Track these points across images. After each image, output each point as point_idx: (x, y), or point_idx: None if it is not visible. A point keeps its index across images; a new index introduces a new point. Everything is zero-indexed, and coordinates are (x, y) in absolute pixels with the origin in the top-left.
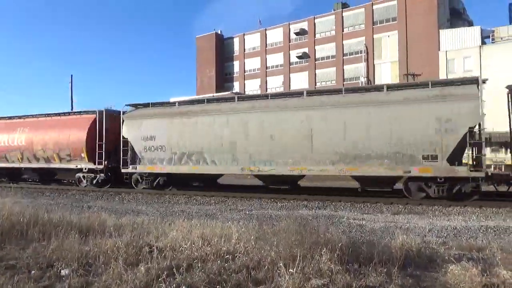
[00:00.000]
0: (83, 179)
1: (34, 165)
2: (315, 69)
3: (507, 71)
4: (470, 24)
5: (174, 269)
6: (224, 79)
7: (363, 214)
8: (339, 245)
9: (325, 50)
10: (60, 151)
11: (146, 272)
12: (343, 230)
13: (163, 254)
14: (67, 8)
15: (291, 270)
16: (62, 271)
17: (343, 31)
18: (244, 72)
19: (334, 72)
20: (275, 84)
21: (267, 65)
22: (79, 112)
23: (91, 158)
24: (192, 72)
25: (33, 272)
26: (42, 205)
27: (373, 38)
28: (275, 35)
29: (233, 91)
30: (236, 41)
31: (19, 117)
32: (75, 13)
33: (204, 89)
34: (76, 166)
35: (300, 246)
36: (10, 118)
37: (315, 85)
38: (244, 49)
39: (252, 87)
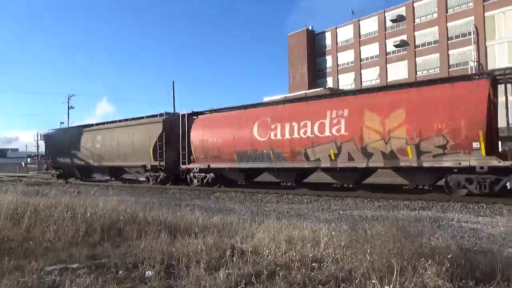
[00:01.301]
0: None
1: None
2: (415, 57)
3: None
4: None
5: (253, 276)
6: (317, 75)
7: (477, 217)
8: (449, 256)
9: (426, 36)
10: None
11: (226, 278)
12: (452, 235)
13: (245, 259)
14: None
15: (387, 287)
16: (146, 273)
17: (447, 12)
18: (337, 67)
19: (437, 59)
20: (370, 77)
21: (361, 58)
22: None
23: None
24: (285, 71)
25: (120, 272)
26: (143, 203)
27: (484, 17)
28: (370, 25)
29: (326, 87)
30: (328, 35)
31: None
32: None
33: (297, 86)
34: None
35: (399, 255)
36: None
37: (416, 74)
38: (337, 43)
39: (346, 81)
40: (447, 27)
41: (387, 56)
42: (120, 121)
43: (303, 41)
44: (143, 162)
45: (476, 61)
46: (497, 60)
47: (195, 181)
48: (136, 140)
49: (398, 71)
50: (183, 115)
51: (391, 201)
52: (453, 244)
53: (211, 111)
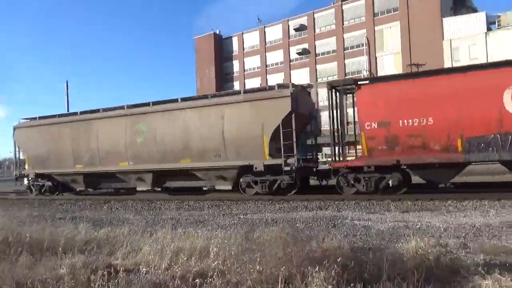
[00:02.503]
0: None
1: None
2: (315, 64)
3: None
4: (475, 11)
5: None
6: (224, 79)
7: (368, 214)
8: (339, 259)
9: (325, 45)
10: None
11: None
12: (346, 234)
13: (117, 280)
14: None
15: None
16: None
17: (343, 24)
18: (244, 71)
19: (335, 67)
20: (275, 82)
21: (267, 63)
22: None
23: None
24: (192, 74)
25: None
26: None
27: (374, 30)
28: (274, 32)
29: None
30: (234, 40)
31: None
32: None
33: (204, 90)
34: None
35: (289, 263)
36: None
37: (316, 81)
38: (243, 48)
39: (253, 86)
40: (343, 38)
41: (291, 63)
42: (186, 99)
43: (210, 45)
44: (245, 161)
45: (368, 70)
46: (386, 69)
47: (361, 185)
48: (230, 127)
49: (301, 77)
50: (333, 87)
51: (291, 202)
52: (345, 244)
53: (396, 77)
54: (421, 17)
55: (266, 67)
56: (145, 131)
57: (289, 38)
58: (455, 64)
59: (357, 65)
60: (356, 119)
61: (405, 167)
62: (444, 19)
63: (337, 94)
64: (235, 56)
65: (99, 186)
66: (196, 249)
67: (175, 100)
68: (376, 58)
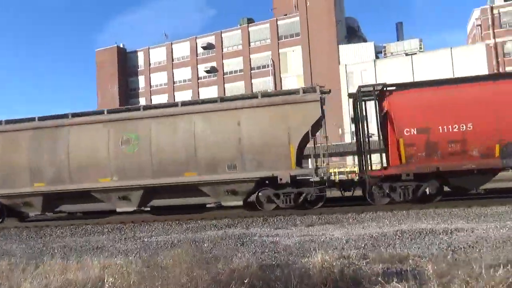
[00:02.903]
0: None
1: None
2: (224, 83)
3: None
4: (365, 40)
5: None
6: (128, 94)
7: (276, 229)
8: (246, 280)
9: (233, 64)
10: None
11: None
12: (254, 251)
13: None
14: None
15: None
16: None
17: (249, 45)
18: (151, 87)
19: (242, 86)
20: (183, 99)
21: (175, 80)
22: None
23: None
24: (93, 88)
25: None
26: None
27: (279, 53)
28: (182, 49)
29: None
30: (140, 55)
31: None
32: None
33: (107, 105)
34: None
35: None
36: None
37: None
38: (150, 64)
39: (160, 102)
40: (250, 59)
41: (199, 80)
42: (193, 103)
43: (113, 58)
44: (268, 172)
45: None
46: None
47: (397, 194)
48: (249, 134)
49: (209, 95)
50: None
51: (199, 221)
52: (253, 263)
53: (434, 83)
54: (320, 43)
55: (174, 83)
56: (135, 140)
57: (197, 56)
58: (350, 88)
59: (264, 85)
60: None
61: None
62: (340, 46)
63: (363, 102)
64: (141, 71)
65: (59, 208)
66: (89, 281)
67: (174, 104)
68: (281, 79)
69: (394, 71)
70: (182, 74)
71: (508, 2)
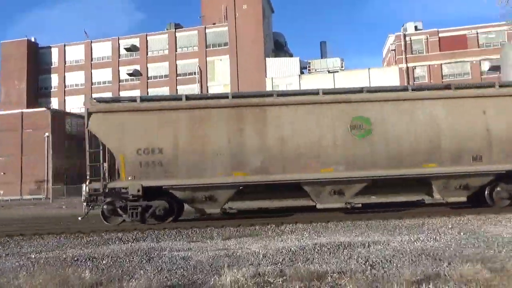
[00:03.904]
0: None
1: None
2: (147, 87)
3: None
4: (291, 55)
5: None
6: (38, 93)
7: (190, 243)
8: None
9: (158, 69)
10: None
11: None
12: (160, 269)
13: None
14: None
15: None
16: None
17: (176, 51)
18: (65, 87)
19: (167, 91)
20: None
21: (93, 81)
22: None
23: None
24: None
25: None
26: None
27: (206, 61)
28: (103, 48)
29: (51, 108)
30: (54, 52)
31: None
32: None
33: (11, 104)
34: None
35: None
36: None
37: None
38: (65, 61)
39: (75, 104)
40: (176, 64)
41: (120, 83)
42: (422, 88)
43: (22, 53)
44: None
45: None
46: None
47: None
48: (498, 123)
49: None
50: None
51: (103, 234)
52: (154, 284)
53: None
54: (248, 54)
55: (92, 84)
56: (370, 125)
57: (119, 57)
58: None
59: (189, 92)
60: None
61: None
62: (267, 59)
63: None
64: (54, 69)
65: (236, 205)
66: None
67: (404, 89)
68: (207, 87)
69: (317, 86)
70: (102, 75)
71: (418, 31)
